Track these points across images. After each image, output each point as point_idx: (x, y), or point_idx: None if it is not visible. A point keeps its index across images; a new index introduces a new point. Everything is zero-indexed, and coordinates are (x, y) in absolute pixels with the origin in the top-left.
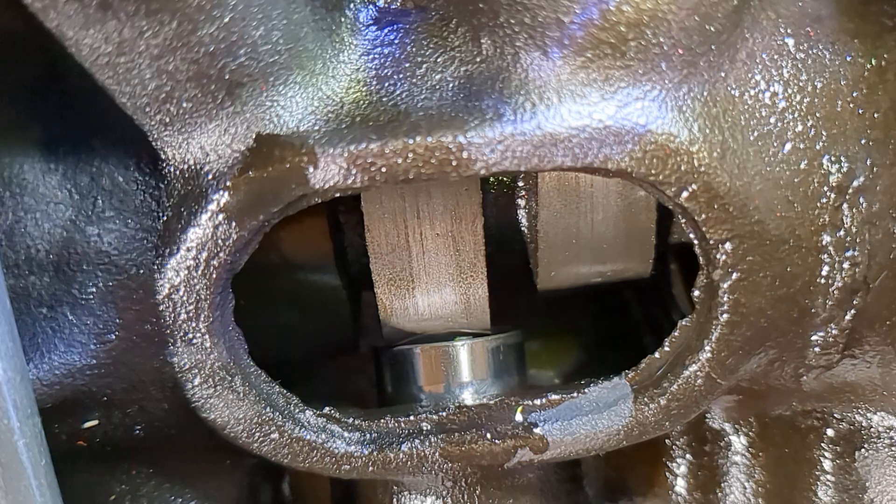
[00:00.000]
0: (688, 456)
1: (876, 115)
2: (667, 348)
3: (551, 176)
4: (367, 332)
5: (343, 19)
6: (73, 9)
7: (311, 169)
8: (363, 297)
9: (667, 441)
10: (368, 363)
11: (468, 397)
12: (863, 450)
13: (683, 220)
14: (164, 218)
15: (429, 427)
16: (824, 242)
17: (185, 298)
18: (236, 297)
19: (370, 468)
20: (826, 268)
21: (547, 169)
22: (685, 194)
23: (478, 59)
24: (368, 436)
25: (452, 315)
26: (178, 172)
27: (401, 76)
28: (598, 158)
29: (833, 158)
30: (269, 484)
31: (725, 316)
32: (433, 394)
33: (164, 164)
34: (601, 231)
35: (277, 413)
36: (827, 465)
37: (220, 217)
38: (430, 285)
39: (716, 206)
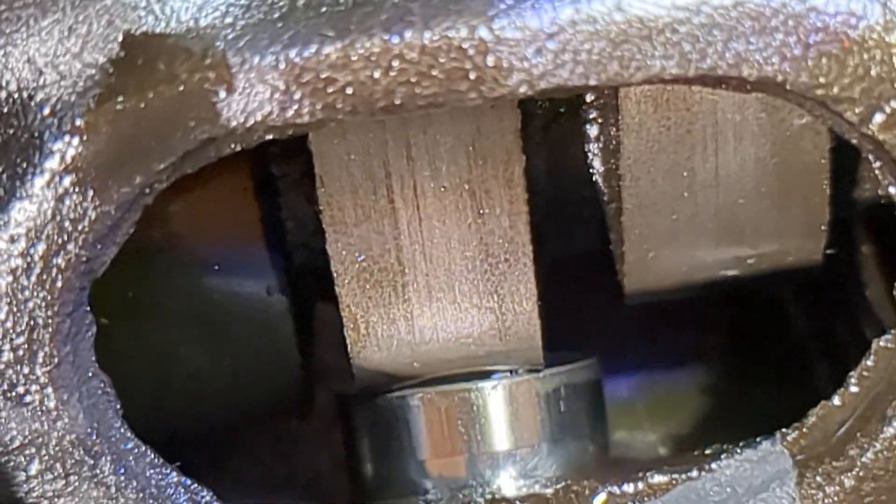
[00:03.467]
0: None
1: None
2: (854, 389)
3: (642, 87)
4: (325, 371)
5: None
6: None
7: (222, 93)
8: (316, 310)
9: None
10: (330, 424)
11: (507, 482)
12: None
13: (878, 165)
14: None
15: None
16: None
17: (9, 326)
18: (98, 317)
19: None
20: None
21: (637, 81)
22: (878, 119)
23: None
24: None
25: (475, 335)
26: None
27: None
28: (726, 60)
29: None
30: None
31: None
32: (445, 475)
33: None
34: (733, 180)
35: None
36: None
37: (67, 181)
38: (434, 282)
39: None
